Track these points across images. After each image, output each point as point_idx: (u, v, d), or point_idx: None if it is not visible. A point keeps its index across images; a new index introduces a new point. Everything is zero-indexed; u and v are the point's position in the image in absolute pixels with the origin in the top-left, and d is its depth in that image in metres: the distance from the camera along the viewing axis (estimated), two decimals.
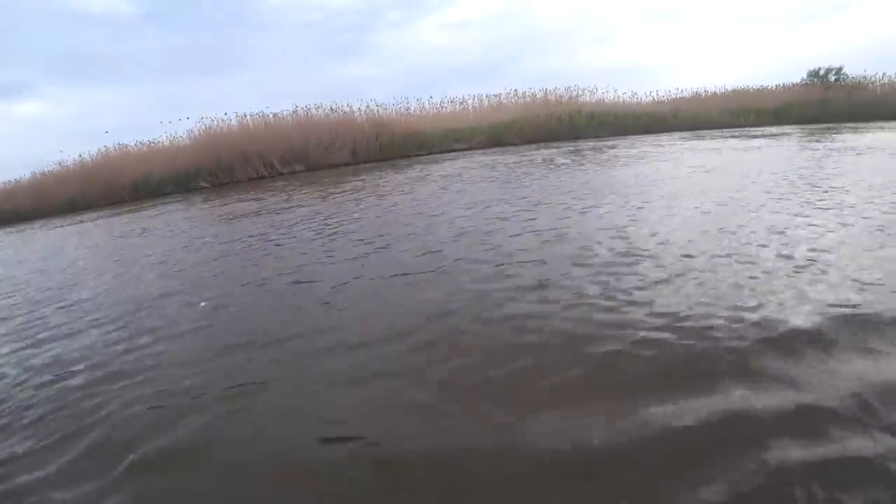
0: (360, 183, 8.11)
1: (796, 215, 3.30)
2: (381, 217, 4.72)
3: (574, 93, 14.17)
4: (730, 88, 16.13)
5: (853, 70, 17.27)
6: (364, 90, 37.12)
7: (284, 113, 13.19)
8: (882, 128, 13.02)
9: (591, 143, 11.71)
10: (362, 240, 3.79)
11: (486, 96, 13.90)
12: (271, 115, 13.23)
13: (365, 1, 37.18)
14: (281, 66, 34.05)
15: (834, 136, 10.93)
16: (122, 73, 30.65)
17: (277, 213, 5.85)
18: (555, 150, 10.47)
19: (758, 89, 16.63)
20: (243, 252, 3.98)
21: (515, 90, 13.98)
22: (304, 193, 7.67)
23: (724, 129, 14.05)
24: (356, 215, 4.97)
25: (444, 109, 14.34)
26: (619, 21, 39.35)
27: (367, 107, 13.07)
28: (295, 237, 4.25)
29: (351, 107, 12.95)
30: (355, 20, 36.73)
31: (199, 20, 33.91)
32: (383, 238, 3.77)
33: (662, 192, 4.55)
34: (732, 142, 10.73)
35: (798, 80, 17.27)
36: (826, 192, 4.01)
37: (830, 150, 7.56)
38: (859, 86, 16.73)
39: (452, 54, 37.66)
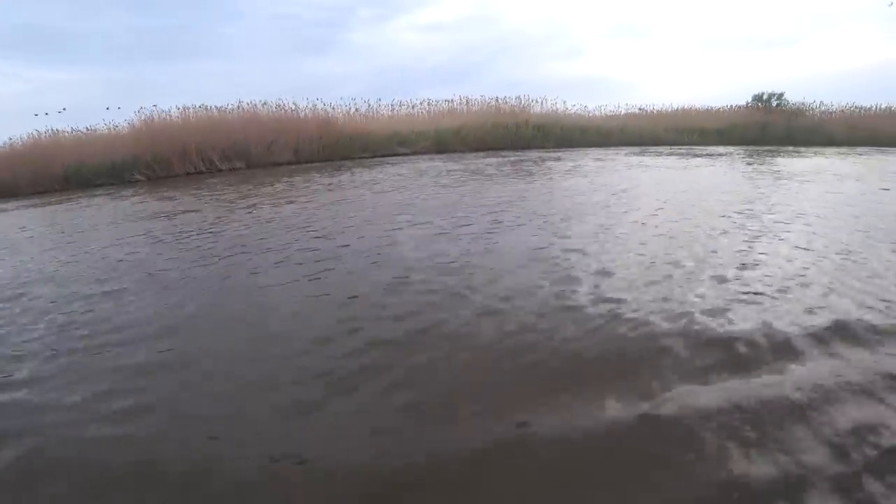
0: (282, 186, 8.01)
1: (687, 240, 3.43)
2: (255, 228, 4.66)
3: (525, 103, 14.39)
4: (676, 107, 16.65)
5: (794, 97, 18.12)
6: (334, 87, 36.68)
7: (229, 107, 12.91)
8: (815, 153, 13.69)
9: (535, 155, 11.88)
10: (215, 255, 3.74)
11: (437, 102, 13.99)
12: (215, 109, 12.93)
13: None
14: (249, 56, 33.32)
15: (767, 158, 11.42)
16: (81, 52, 29.34)
17: (173, 217, 5.72)
18: (494, 160, 10.58)
19: (704, 109, 17.22)
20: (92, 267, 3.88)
21: (467, 97, 14.13)
22: (221, 194, 7.53)
23: (670, 147, 14.48)
24: (236, 224, 4.90)
25: (396, 112, 14.34)
26: (587, 35, 40.07)
27: (314, 105, 12.94)
28: (160, 253, 4.15)
29: (297, 105, 12.78)
30: (327, 16, 36.25)
31: (164, 2, 32.78)
32: (233, 255, 3.73)
33: (560, 211, 4.65)
34: (671, 160, 11.06)
35: (743, 103, 18.01)
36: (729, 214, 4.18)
37: (760, 172, 7.91)
38: (798, 112, 17.52)
39: (424, 56, 37.64)
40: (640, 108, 16.15)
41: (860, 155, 13.81)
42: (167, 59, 31.37)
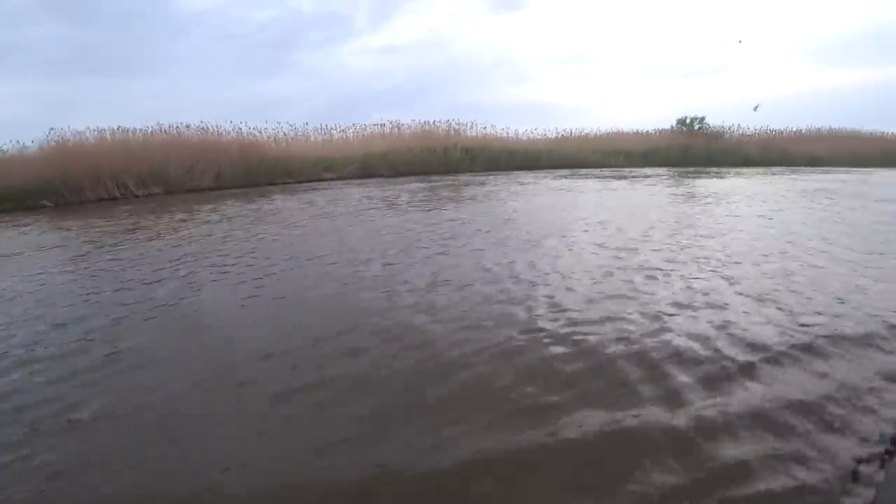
0: (181, 216, 7.80)
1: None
2: (114, 271, 4.51)
3: (455, 127, 14.66)
4: (605, 130, 17.38)
5: (723, 121, 19.27)
6: (283, 109, 36.17)
7: (151, 129, 12.56)
8: (735, 173, 14.49)
9: (462, 178, 12.07)
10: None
11: (368, 126, 14.06)
12: (138, 131, 12.56)
13: (287, 17, 36.56)
14: (196, 75, 32.54)
15: (684, 180, 11.98)
16: (6, 64, 27.69)
17: (39, 251, 5.46)
18: (414, 186, 10.67)
19: (632, 132, 18.06)
20: None
21: (398, 121, 14.25)
22: (112, 226, 7.25)
23: (596, 169, 15.03)
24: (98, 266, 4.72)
25: (331, 136, 14.29)
26: (536, 62, 41.50)
27: (239, 129, 12.75)
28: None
29: (220, 128, 12.56)
30: (277, 36, 35.98)
31: (102, 15, 31.51)
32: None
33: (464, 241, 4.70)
34: (589, 182, 11.46)
35: (668, 127, 19.00)
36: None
37: (673, 195, 8.26)
38: (717, 135, 18.63)
39: (377, 79, 37.82)
40: (567, 132, 16.76)
41: (773, 175, 14.74)
42: (106, 75, 30.23)
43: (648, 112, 39.49)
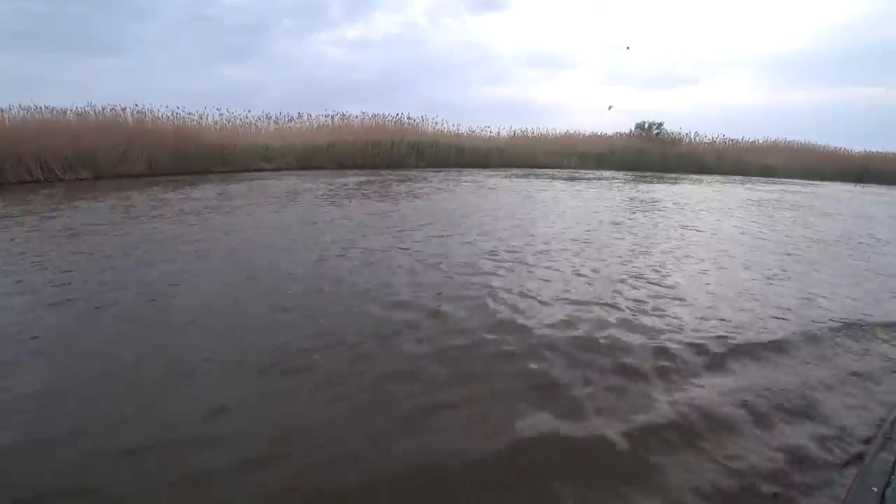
0: (84, 204, 7.49)
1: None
2: None
3: (407, 121, 14.45)
4: (562, 131, 17.34)
5: (673, 127, 19.43)
6: (251, 96, 35.29)
7: (82, 110, 12.12)
8: (691, 180, 14.59)
9: (402, 174, 11.90)
10: None
11: (316, 116, 13.75)
12: (67, 112, 12.10)
13: (260, 2, 35.81)
14: (163, 57, 31.64)
15: (631, 184, 12.00)
16: None
17: None
18: (353, 179, 10.48)
19: (590, 135, 18.07)
20: None
21: (347, 113, 13.98)
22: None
23: (549, 169, 14.99)
24: None
25: (281, 125, 13.96)
26: (512, 63, 41.54)
27: (174, 113, 12.35)
28: None
29: (156, 112, 12.16)
30: (249, 22, 35.20)
31: None
32: None
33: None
34: (523, 183, 11.36)
35: (627, 131, 19.10)
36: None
37: (608, 199, 8.17)
38: (674, 141, 18.78)
39: (350, 71, 37.34)
40: (523, 131, 16.68)
41: (722, 184, 14.90)
42: (65, 51, 29.17)
43: (619, 118, 40.01)
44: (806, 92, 39.24)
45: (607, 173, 15.70)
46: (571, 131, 17.49)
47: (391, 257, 3.91)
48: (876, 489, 0.96)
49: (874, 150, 21.45)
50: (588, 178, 13.07)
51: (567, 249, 4.43)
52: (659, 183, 13.32)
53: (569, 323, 2.68)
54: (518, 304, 2.92)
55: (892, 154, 21.26)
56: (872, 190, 17.51)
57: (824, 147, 21.26)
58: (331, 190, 8.44)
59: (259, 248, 4.20)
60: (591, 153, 16.65)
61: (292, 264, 3.66)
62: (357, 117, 14.25)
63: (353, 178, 10.36)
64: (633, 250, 4.56)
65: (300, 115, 13.61)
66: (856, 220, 7.74)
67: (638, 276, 3.65)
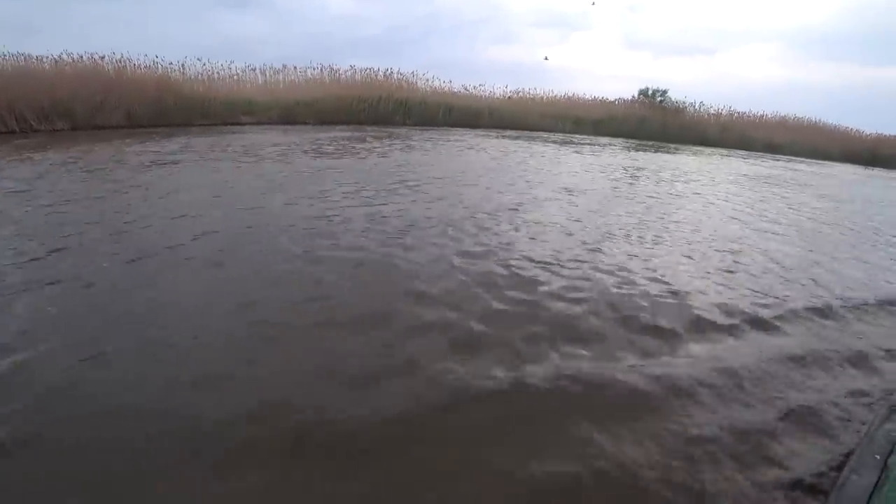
0: (38, 156, 7.33)
1: None
2: None
3: (397, 77, 13.94)
4: (560, 94, 16.68)
5: (678, 96, 18.63)
6: (255, 50, 34.30)
7: (58, 59, 11.77)
8: (691, 151, 14.14)
9: (385, 131, 11.58)
10: None
11: (302, 69, 13.23)
12: (43, 59, 11.78)
13: None
14: (160, 3, 30.43)
15: (621, 152, 11.51)
16: None
17: None
18: (330, 134, 10.21)
19: (591, 99, 17.39)
20: None
21: (336, 66, 13.46)
22: None
23: (541, 133, 14.51)
24: None
25: (268, 78, 13.51)
26: (520, 22, 39.84)
27: (155, 63, 11.98)
28: None
29: (131, 61, 11.79)
30: None
31: None
32: None
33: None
34: (516, 145, 11.01)
35: (630, 98, 18.35)
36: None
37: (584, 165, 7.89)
38: (678, 110, 18.05)
39: (356, 26, 36.07)
40: (520, 92, 16.02)
41: (722, 157, 14.43)
42: None
43: (629, 85, 38.70)
44: (831, 70, 37.60)
45: (604, 140, 15.21)
46: (570, 94, 16.84)
47: (284, 219, 3.76)
48: (879, 457, 0.98)
49: (888, 133, 20.58)
50: (580, 144, 12.67)
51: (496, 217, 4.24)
52: (653, 152, 12.90)
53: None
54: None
55: None
56: (881, 174, 16.93)
57: (835, 127, 20.43)
58: (296, 145, 8.20)
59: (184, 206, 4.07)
60: (588, 118, 16.07)
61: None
62: (347, 72, 13.78)
63: (329, 134, 10.09)
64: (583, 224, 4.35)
65: (285, 68, 13.14)
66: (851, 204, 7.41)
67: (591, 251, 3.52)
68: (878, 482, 0.86)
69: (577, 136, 15.18)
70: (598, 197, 5.67)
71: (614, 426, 1.70)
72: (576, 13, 41.05)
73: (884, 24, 36.92)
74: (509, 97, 15.70)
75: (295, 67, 13.40)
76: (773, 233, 4.78)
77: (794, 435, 1.70)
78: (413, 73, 14.33)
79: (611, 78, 36.44)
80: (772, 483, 1.44)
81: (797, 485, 1.41)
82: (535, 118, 15.11)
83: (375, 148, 8.49)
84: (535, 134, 14.08)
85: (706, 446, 1.63)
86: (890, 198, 9.19)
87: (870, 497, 0.83)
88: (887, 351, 2.50)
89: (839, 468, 1.31)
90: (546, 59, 24.71)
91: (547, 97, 16.34)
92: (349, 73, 13.69)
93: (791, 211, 6.17)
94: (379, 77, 14.04)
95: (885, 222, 6.13)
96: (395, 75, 14.21)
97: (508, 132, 13.83)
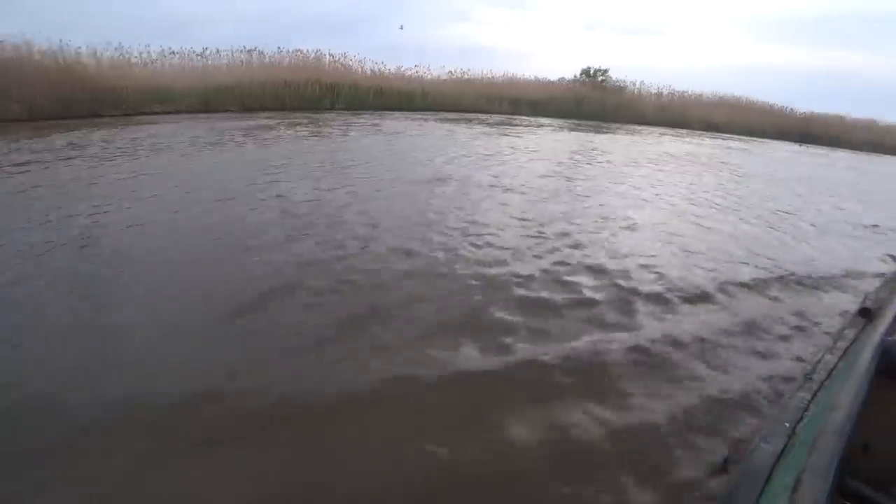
0: None
1: None
2: None
3: (329, 59, 13.56)
4: (499, 75, 16.59)
5: (620, 75, 18.80)
6: (203, 31, 32.60)
7: None
8: (629, 130, 14.25)
9: (309, 117, 11.30)
10: None
11: (228, 51, 12.65)
12: None
13: None
14: None
15: (552, 132, 11.47)
16: None
17: None
18: (242, 123, 9.88)
19: (532, 80, 17.37)
20: None
21: (260, 49, 12.96)
22: None
23: (478, 115, 14.40)
24: None
25: (187, 62, 12.87)
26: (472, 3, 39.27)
27: (61, 47, 11.24)
28: None
29: (30, 46, 11.04)
30: None
31: None
32: None
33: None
34: (440, 126, 10.86)
35: (571, 77, 18.42)
36: None
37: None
38: (618, 89, 18.24)
39: (307, 5, 34.79)
40: (451, 73, 15.87)
41: (661, 135, 14.70)
42: None
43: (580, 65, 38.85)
44: (782, 52, 38.63)
45: (545, 120, 15.26)
46: (510, 75, 16.76)
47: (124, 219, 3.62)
48: (788, 424, 1.00)
49: (818, 111, 21.35)
50: (512, 125, 12.67)
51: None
52: (583, 132, 13.02)
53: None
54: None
55: (834, 116, 21.22)
56: (813, 150, 17.59)
57: (770, 106, 21.03)
58: (191, 137, 7.88)
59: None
60: (526, 99, 16.06)
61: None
62: (273, 55, 13.32)
63: (242, 123, 9.76)
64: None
65: (205, 51, 12.59)
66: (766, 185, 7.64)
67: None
68: (784, 449, 0.88)
69: (516, 117, 15.18)
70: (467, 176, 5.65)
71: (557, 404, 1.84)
72: None
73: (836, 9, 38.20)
74: (442, 78, 15.52)
75: (217, 50, 12.89)
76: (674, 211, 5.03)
77: (722, 412, 1.85)
78: (344, 54, 14.00)
79: (566, 58, 36.50)
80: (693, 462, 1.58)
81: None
82: (471, 99, 15.02)
83: (281, 136, 8.27)
84: (470, 115, 13.99)
85: (643, 423, 1.77)
86: (800, 175, 9.54)
87: (775, 463, 0.85)
88: (803, 325, 2.69)
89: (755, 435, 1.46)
90: (401, 28, 23.99)
91: (484, 78, 16.23)
92: (276, 57, 13.24)
93: (701, 191, 6.38)
94: (309, 59, 13.65)
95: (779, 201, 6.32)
96: (327, 57, 13.85)
97: (445, 114, 13.69)
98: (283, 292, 2.50)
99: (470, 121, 12.72)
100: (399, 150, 7.70)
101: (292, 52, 13.58)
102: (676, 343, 2.34)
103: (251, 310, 2.33)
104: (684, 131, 17.54)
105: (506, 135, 10.72)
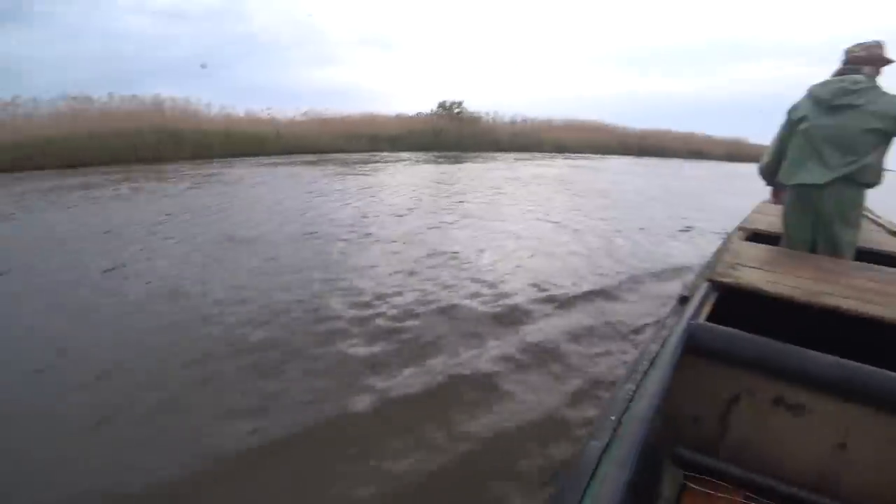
0: None
1: None
2: None
3: (172, 104, 13.13)
4: (357, 113, 17.19)
5: (476, 107, 20.38)
6: (33, 73, 29.44)
7: None
8: (469, 158, 15.21)
9: (144, 170, 10.84)
10: None
11: (42, 99, 11.72)
12: None
13: None
14: None
15: (393, 166, 11.60)
16: None
17: None
18: (36, 185, 9.20)
19: (391, 116, 18.20)
20: None
21: (86, 95, 12.20)
22: None
23: (337, 155, 14.67)
24: None
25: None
26: (339, 43, 40.14)
27: None
28: None
29: None
30: None
31: None
32: None
33: None
34: (281, 170, 10.84)
35: (429, 111, 19.58)
36: None
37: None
38: (474, 120, 19.74)
39: (160, 46, 33.12)
40: (304, 114, 16.18)
41: (515, 160, 15.88)
42: None
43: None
44: (622, 80, 43.97)
45: (405, 154, 15.91)
46: (368, 112, 17.42)
47: None
48: (614, 417, 0.99)
49: (650, 127, 24.91)
50: (369, 162, 13.01)
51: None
52: (435, 164, 13.69)
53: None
54: None
55: (662, 131, 24.85)
56: (645, 162, 20.23)
57: (612, 126, 24.04)
58: None
59: None
60: (384, 135, 16.77)
61: None
62: (104, 102, 12.65)
63: (49, 183, 9.06)
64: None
65: (17, 99, 11.61)
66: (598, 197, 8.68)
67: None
68: (609, 441, 0.90)
69: (376, 153, 15.70)
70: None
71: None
72: (392, 32, 42.43)
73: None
74: (301, 119, 15.73)
75: (34, 99, 11.96)
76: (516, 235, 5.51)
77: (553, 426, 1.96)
78: (186, 98, 13.68)
79: (428, 94, 38.17)
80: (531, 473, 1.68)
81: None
82: (328, 139, 15.33)
83: (88, 198, 7.93)
84: (330, 156, 14.23)
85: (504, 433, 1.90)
86: (635, 186, 11.00)
87: (601, 455, 0.87)
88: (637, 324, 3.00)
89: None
90: (203, 66, 23.96)
91: (342, 117, 16.70)
92: (106, 104, 12.59)
93: (541, 211, 6.99)
94: (146, 105, 13.14)
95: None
96: (168, 102, 13.44)
97: (298, 157, 13.71)
98: None
99: (326, 161, 12.95)
100: (222, 206, 7.62)
101: (128, 97, 13.02)
102: (511, 358, 2.52)
103: None
104: (539, 154, 19.35)
105: (363, 174, 10.84)
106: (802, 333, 1.41)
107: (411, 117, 18.56)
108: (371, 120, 17.27)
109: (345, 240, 5.06)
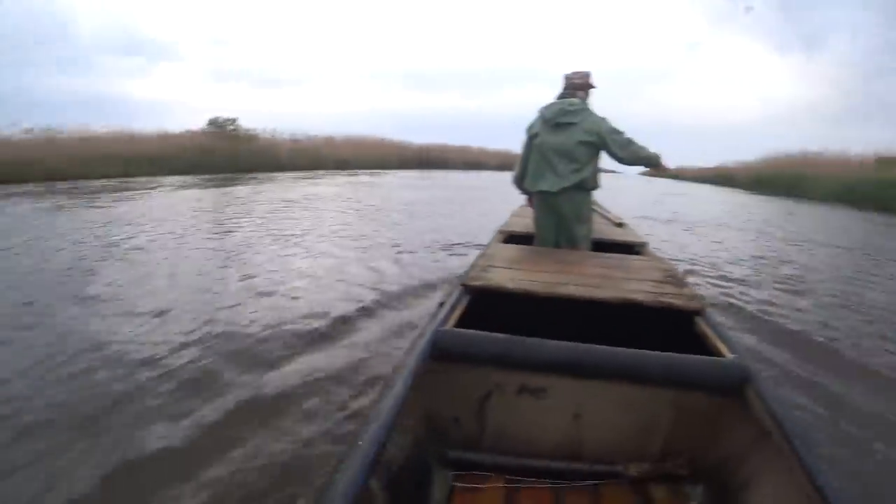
0: None
1: None
2: None
3: None
4: (107, 131, 14.99)
5: (290, 129, 19.77)
6: None
7: None
8: (237, 180, 13.96)
9: None
10: None
11: None
12: None
13: None
14: None
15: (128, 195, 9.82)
16: None
17: None
18: None
19: (154, 134, 16.40)
20: None
21: None
22: None
23: (61, 183, 12.00)
24: None
25: None
26: (95, 46, 33.46)
27: None
28: None
29: None
30: None
31: None
32: None
33: None
34: None
35: (200, 129, 18.27)
36: None
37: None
38: (250, 138, 19.18)
39: None
40: (26, 130, 13.36)
41: (295, 179, 15.40)
42: None
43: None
44: (402, 97, 47.58)
45: (169, 179, 14.15)
46: (123, 129, 15.31)
47: None
48: (370, 428, 1.02)
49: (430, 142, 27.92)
50: (114, 191, 11.14)
51: None
52: (206, 188, 12.36)
53: None
54: None
55: (441, 145, 28.17)
56: (416, 174, 22.08)
57: (392, 141, 26.06)
58: None
59: None
60: (145, 156, 15.00)
61: None
62: None
63: None
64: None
65: None
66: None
67: None
68: (363, 456, 0.87)
69: (132, 179, 13.71)
70: None
71: None
72: (163, 42, 37.45)
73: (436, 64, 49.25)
74: (16, 140, 12.85)
75: None
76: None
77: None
78: None
79: (207, 111, 35.15)
80: None
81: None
82: (55, 162, 12.68)
83: None
84: (61, 185, 11.88)
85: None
86: (407, 200, 11.48)
87: (358, 472, 0.85)
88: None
89: None
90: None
91: (82, 134, 14.27)
92: None
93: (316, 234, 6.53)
94: None
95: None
96: None
97: (12, 187, 11.02)
98: None
99: (54, 193, 10.77)
100: None
101: None
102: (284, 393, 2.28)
103: None
104: (321, 171, 19.53)
105: (93, 206, 9.03)
106: (549, 324, 1.51)
107: (178, 135, 16.95)
108: (125, 138, 15.18)
109: None
